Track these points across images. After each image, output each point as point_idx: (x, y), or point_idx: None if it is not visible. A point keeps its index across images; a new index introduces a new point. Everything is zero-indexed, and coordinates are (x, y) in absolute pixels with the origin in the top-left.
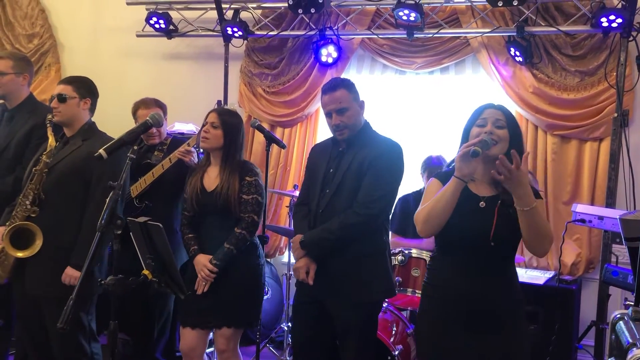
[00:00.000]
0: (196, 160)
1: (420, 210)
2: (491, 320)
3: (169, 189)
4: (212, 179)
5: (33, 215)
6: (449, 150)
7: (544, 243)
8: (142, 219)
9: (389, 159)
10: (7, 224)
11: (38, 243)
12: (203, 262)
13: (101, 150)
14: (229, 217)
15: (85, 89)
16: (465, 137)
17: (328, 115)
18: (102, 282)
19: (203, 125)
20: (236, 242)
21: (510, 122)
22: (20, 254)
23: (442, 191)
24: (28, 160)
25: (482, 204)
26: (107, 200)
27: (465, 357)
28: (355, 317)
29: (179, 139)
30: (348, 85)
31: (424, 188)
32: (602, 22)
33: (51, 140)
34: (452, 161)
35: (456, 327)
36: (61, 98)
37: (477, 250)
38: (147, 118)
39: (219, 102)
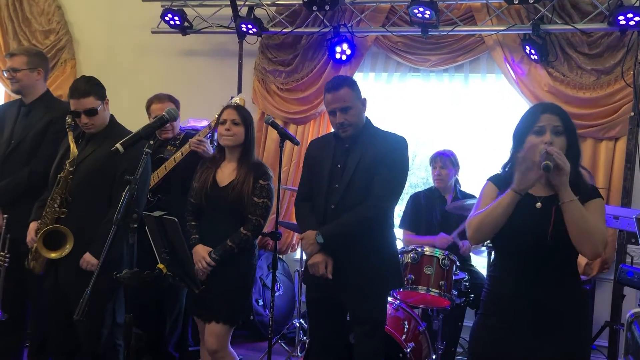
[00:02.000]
0: (210, 150)
1: (474, 217)
2: (553, 323)
3: (181, 183)
4: (226, 174)
5: (62, 216)
6: (462, 148)
7: (588, 240)
8: (157, 213)
9: (400, 154)
10: (39, 222)
11: (69, 246)
12: (202, 254)
13: (118, 145)
14: (236, 214)
15: (102, 90)
16: (519, 143)
17: (332, 113)
18: (117, 275)
19: (221, 123)
20: (239, 242)
21: (567, 127)
22: (53, 255)
23: (498, 202)
24: (44, 153)
25: (538, 204)
26: (123, 194)
27: None
28: (369, 309)
29: (192, 135)
30: (351, 84)
31: (434, 186)
32: (620, 20)
33: (73, 148)
34: (507, 163)
35: (517, 332)
36: (92, 112)
37: (537, 252)
38: (164, 113)
39: (232, 98)
